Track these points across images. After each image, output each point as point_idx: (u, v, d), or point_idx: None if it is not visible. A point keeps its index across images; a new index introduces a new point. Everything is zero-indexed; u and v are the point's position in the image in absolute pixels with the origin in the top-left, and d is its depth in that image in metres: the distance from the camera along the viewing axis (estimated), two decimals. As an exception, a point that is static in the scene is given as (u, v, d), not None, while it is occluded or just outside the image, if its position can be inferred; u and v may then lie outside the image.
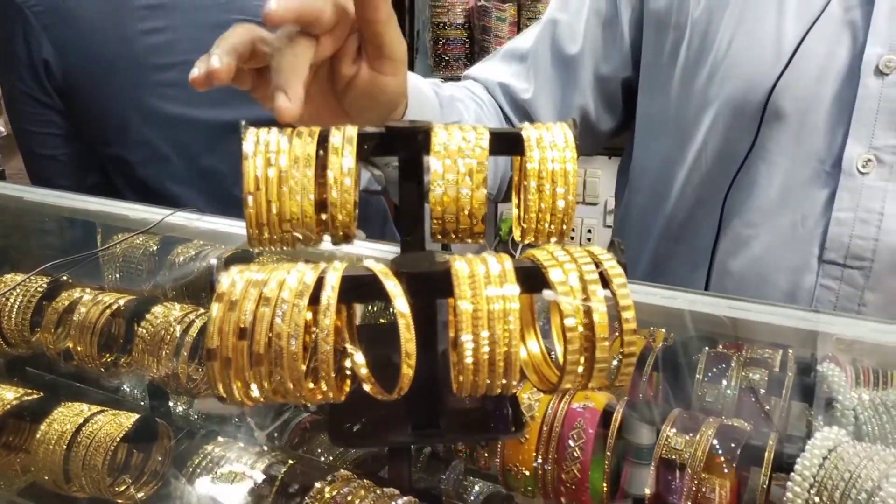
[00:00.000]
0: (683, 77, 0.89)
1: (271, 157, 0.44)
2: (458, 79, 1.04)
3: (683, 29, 0.88)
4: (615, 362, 0.38)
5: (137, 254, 0.94)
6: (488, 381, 0.38)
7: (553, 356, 0.43)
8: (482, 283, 0.38)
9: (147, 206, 0.89)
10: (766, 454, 0.52)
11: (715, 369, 0.63)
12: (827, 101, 0.80)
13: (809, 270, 0.83)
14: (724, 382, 0.62)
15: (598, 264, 0.38)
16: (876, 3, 0.78)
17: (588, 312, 0.37)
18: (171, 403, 0.84)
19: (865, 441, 0.56)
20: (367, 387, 0.40)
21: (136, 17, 1.12)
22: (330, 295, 0.37)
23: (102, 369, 0.78)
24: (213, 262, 0.38)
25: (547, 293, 0.38)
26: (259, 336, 0.37)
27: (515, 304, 0.37)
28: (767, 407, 0.59)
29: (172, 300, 0.91)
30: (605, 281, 0.38)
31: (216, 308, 0.37)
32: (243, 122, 0.47)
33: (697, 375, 0.62)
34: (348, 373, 0.41)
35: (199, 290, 0.91)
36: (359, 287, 0.39)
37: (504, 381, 0.38)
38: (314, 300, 0.38)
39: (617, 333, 0.38)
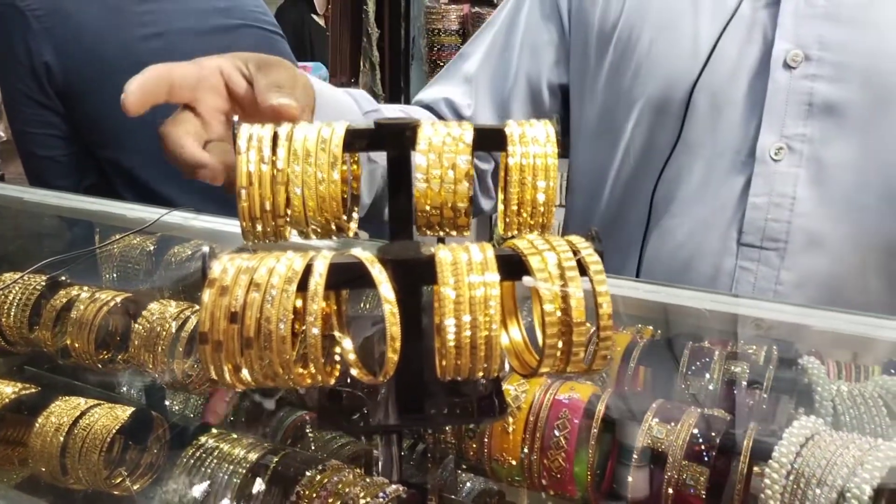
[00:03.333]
0: (610, 80, 0.95)
1: (265, 152, 0.46)
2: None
3: (609, 35, 0.94)
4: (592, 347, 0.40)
5: (135, 253, 0.95)
6: (471, 365, 0.39)
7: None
8: (465, 270, 0.39)
9: (144, 206, 0.91)
10: (745, 442, 0.53)
11: (698, 363, 0.64)
12: (741, 95, 0.86)
13: (729, 254, 0.88)
14: (707, 375, 0.63)
15: (575, 252, 0.40)
16: (781, 4, 0.84)
17: (566, 298, 0.38)
18: (167, 402, 0.85)
19: (843, 431, 0.57)
20: (354, 371, 0.41)
21: (136, 21, 1.13)
22: (318, 281, 0.39)
23: (100, 366, 0.79)
24: (205, 249, 0.40)
25: (527, 279, 0.39)
26: (249, 320, 0.38)
27: (496, 290, 0.39)
28: (750, 401, 0.60)
29: (169, 299, 0.93)
30: (582, 268, 0.40)
31: (208, 293, 0.38)
32: (235, 119, 0.49)
33: (681, 369, 0.64)
34: (337, 359, 0.43)
35: (196, 288, 0.92)
36: (346, 274, 0.40)
37: (486, 365, 0.39)
38: (303, 287, 0.39)
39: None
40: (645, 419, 0.56)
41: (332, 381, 0.41)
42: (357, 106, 0.87)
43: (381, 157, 0.89)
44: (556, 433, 0.57)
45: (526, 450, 0.58)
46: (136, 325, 0.75)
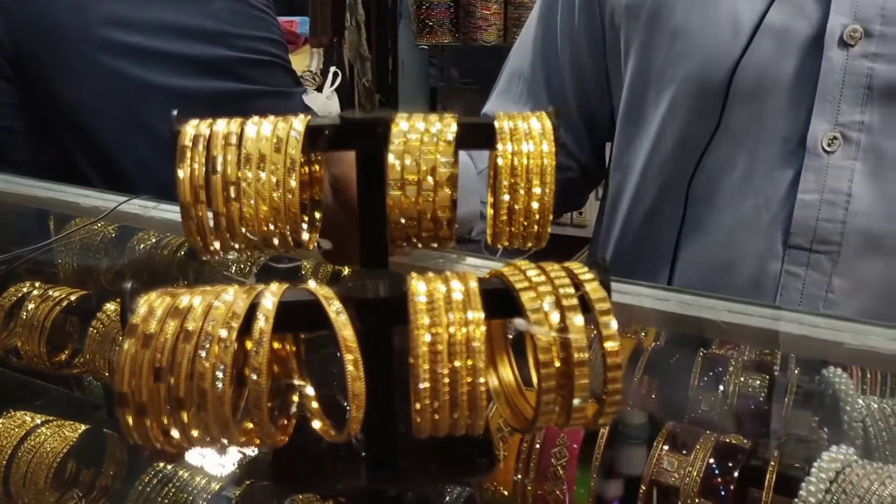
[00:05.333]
0: (638, 62, 0.84)
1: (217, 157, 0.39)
2: (442, 46, 0.98)
3: (637, 13, 0.83)
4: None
5: (95, 241, 0.88)
6: (451, 422, 0.33)
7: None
8: (443, 308, 0.32)
9: (99, 193, 0.83)
10: (768, 476, 0.47)
11: (711, 373, 0.58)
12: (789, 77, 0.75)
13: (774, 256, 0.78)
14: (721, 388, 0.57)
15: (577, 286, 0.33)
16: None
17: (566, 345, 0.32)
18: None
19: (875, 456, 0.51)
20: (316, 424, 0.34)
21: None
22: (263, 326, 0.32)
23: (54, 370, 0.73)
24: (127, 286, 0.33)
25: (518, 322, 0.32)
26: (179, 376, 0.31)
27: (481, 330, 0.32)
28: (771, 420, 0.54)
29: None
30: (585, 304, 0.33)
31: (127, 344, 0.31)
32: (174, 113, 0.41)
33: (692, 381, 0.57)
34: (293, 409, 0.36)
35: (165, 279, 0.85)
36: (298, 315, 0.33)
37: (469, 422, 0.33)
38: (247, 330, 0.32)
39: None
40: (654, 447, 0.49)
41: (286, 440, 0.35)
42: (473, 165, 0.81)
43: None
44: (554, 461, 0.51)
45: (519, 476, 0.52)
46: (91, 329, 0.68)
